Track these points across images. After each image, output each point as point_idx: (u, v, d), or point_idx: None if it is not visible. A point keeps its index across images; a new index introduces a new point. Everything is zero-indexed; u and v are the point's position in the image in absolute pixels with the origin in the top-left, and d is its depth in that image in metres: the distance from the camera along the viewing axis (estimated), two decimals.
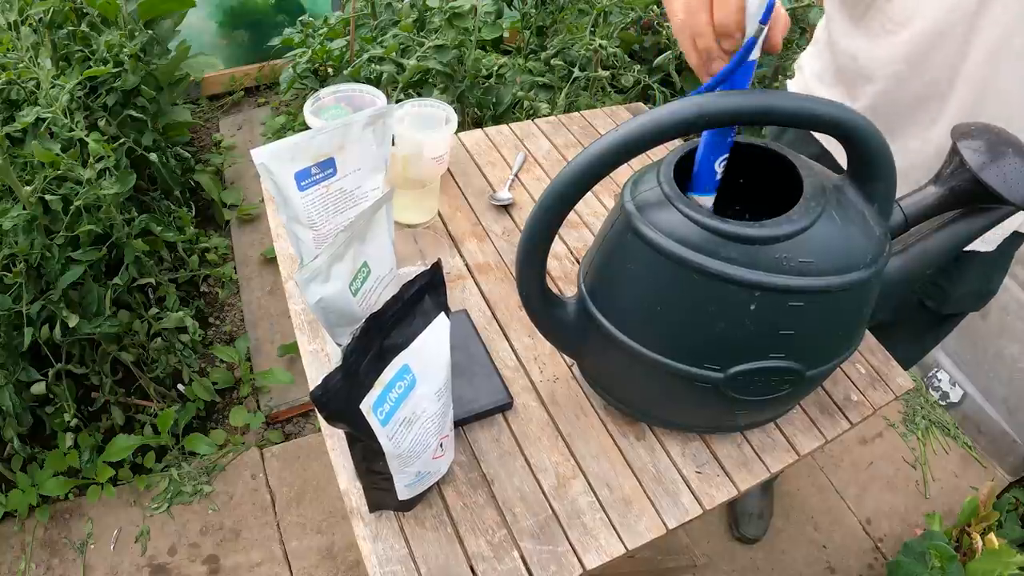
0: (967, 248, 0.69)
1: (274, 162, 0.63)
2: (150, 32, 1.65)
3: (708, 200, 0.58)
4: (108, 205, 1.27)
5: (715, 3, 0.48)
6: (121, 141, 1.51)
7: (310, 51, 1.96)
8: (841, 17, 0.81)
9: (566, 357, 0.76)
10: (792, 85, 0.96)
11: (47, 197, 1.21)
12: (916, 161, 0.76)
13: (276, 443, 1.56)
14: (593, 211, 0.95)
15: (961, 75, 0.70)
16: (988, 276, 0.90)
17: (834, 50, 0.83)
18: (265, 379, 1.60)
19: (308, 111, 0.85)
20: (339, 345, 0.61)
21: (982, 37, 0.67)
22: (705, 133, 0.55)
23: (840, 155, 0.88)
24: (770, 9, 0.46)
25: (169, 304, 1.54)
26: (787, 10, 0.53)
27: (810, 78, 0.91)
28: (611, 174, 0.51)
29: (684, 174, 0.58)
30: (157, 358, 1.50)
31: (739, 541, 1.47)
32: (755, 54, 0.49)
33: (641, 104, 1.22)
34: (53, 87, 1.29)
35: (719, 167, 0.57)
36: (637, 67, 1.87)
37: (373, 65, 1.72)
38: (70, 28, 1.53)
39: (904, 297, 0.91)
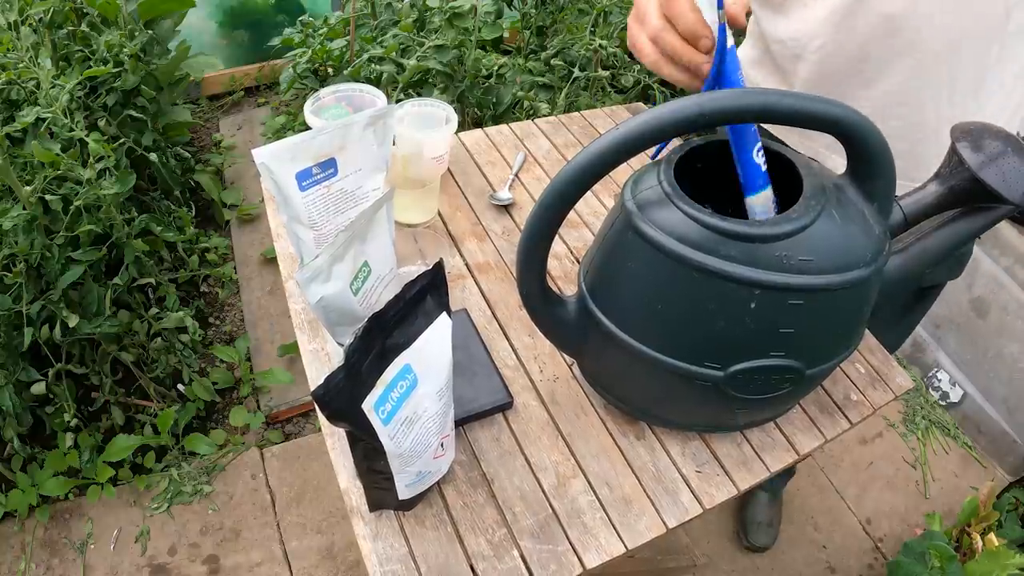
0: None
1: (275, 162, 0.64)
2: (150, 32, 1.65)
3: (766, 195, 0.58)
4: (108, 205, 1.28)
5: (670, 15, 0.50)
6: (121, 141, 1.51)
7: (310, 51, 1.96)
8: (761, 8, 0.82)
9: (566, 356, 0.76)
10: None
11: (47, 197, 1.21)
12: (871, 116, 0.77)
13: (276, 443, 1.56)
14: (593, 210, 0.95)
15: (886, 33, 0.71)
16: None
17: (764, 38, 0.85)
18: (265, 379, 1.60)
19: (308, 111, 0.85)
20: (340, 344, 0.61)
21: None
22: (731, 134, 0.55)
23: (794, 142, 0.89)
24: None
25: (169, 304, 1.54)
26: None
27: (746, 66, 0.92)
28: (611, 173, 0.51)
29: (684, 173, 0.59)
30: (157, 358, 1.50)
31: (748, 550, 1.47)
32: (730, 40, 0.50)
33: (641, 104, 1.22)
34: (53, 87, 1.29)
35: (759, 158, 0.56)
36: (637, 67, 1.87)
37: (373, 65, 1.72)
38: (70, 28, 1.54)
39: None
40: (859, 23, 0.72)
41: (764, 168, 0.57)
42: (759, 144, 0.56)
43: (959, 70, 0.71)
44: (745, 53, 0.93)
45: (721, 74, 0.51)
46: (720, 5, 0.48)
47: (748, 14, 0.86)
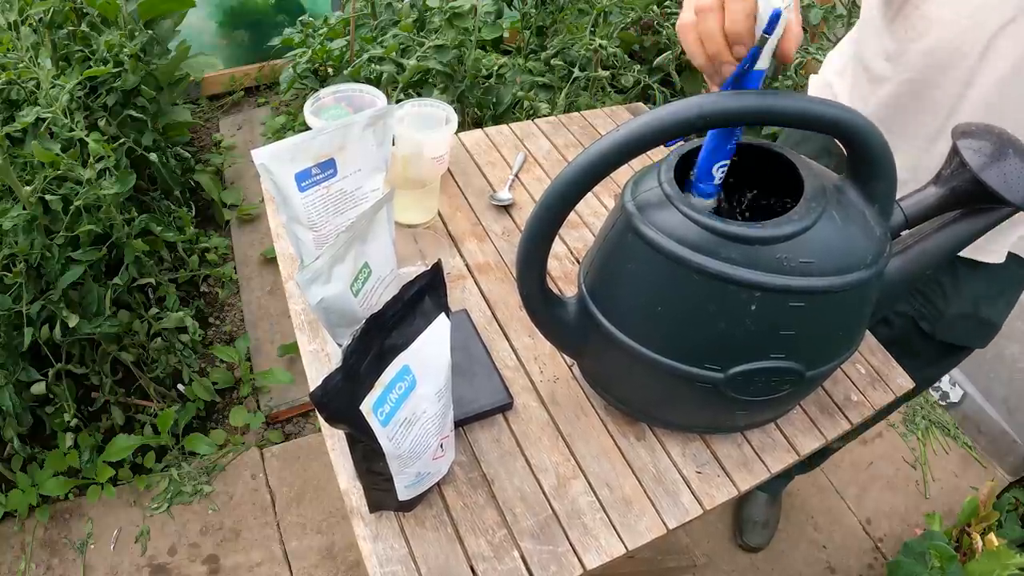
0: (964, 254, 0.68)
1: (274, 163, 0.63)
2: (150, 32, 1.65)
3: (706, 204, 0.58)
4: (108, 205, 1.27)
5: (727, 8, 0.47)
6: (121, 141, 1.51)
7: (310, 51, 1.96)
8: (876, 15, 0.80)
9: (566, 357, 0.76)
10: (814, 80, 0.96)
11: (47, 197, 1.21)
12: (919, 165, 0.76)
13: (276, 443, 1.56)
14: (593, 211, 0.95)
15: (968, 97, 0.70)
16: (980, 300, 0.85)
17: (863, 46, 0.83)
18: (265, 379, 1.60)
19: (308, 111, 0.85)
20: (340, 345, 0.61)
21: (994, 62, 0.67)
22: (708, 135, 0.55)
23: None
24: (774, 20, 0.46)
25: (169, 304, 1.54)
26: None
27: (831, 72, 0.91)
28: (611, 174, 0.51)
29: (685, 174, 0.58)
30: (157, 358, 1.50)
31: (742, 549, 1.47)
32: (763, 63, 0.49)
33: (641, 104, 1.22)
34: (53, 87, 1.29)
35: (718, 172, 0.56)
36: (637, 67, 1.87)
37: (373, 65, 1.72)
38: (70, 28, 1.53)
39: (898, 314, 0.89)
40: (946, 80, 0.70)
41: (717, 183, 0.57)
42: (725, 163, 0.56)
43: None
44: (837, 56, 0.91)
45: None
46: (768, 31, 0.47)
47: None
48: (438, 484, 0.64)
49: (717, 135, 0.54)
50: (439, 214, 0.92)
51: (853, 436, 1.04)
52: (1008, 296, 0.87)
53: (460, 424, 0.68)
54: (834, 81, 0.89)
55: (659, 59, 1.89)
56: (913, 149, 0.77)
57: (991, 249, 0.81)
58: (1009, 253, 0.81)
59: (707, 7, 0.48)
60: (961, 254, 0.66)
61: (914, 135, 0.76)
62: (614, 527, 0.63)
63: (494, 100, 1.77)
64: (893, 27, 0.76)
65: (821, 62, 0.97)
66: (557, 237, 0.59)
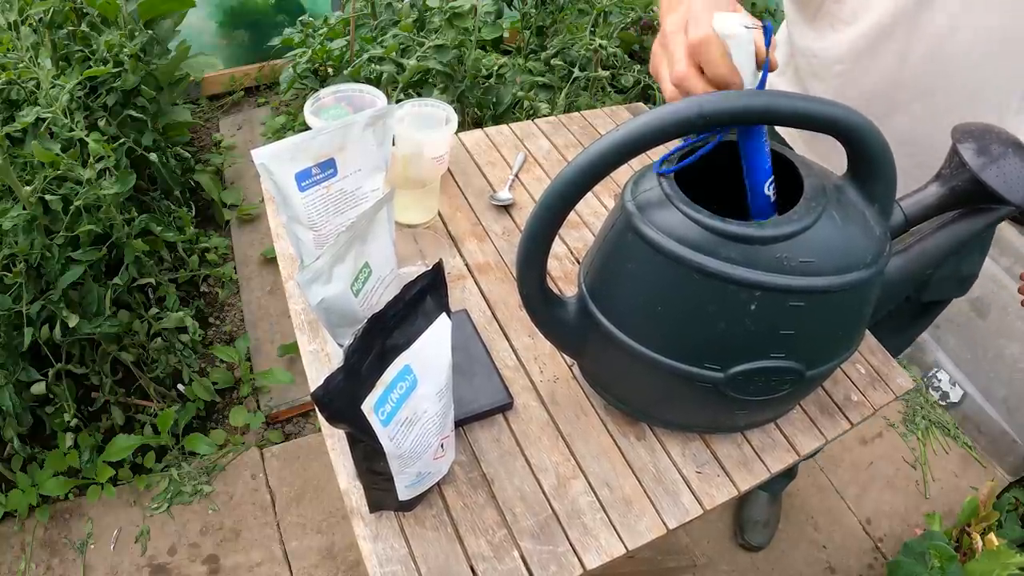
0: None
1: (274, 162, 0.63)
2: (150, 32, 1.65)
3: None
4: (108, 205, 1.27)
5: (702, 65, 0.49)
6: (121, 141, 1.51)
7: (310, 51, 1.96)
8: (796, 15, 0.82)
9: (566, 357, 0.76)
10: None
11: (47, 197, 1.21)
12: None
13: (276, 443, 1.56)
14: (593, 211, 0.95)
15: (904, 76, 0.71)
16: (962, 260, 0.88)
17: (793, 48, 0.84)
18: (265, 379, 1.60)
19: (308, 111, 0.85)
20: (340, 345, 0.61)
21: (921, 39, 0.68)
22: (747, 159, 0.55)
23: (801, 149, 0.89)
24: (768, 34, 0.47)
25: (169, 304, 1.54)
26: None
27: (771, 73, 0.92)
28: (611, 174, 0.51)
29: (685, 174, 0.58)
30: (157, 358, 1.50)
31: (742, 548, 1.47)
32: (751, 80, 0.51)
33: (641, 104, 1.22)
34: (53, 87, 1.29)
35: (769, 190, 0.56)
36: (637, 67, 1.87)
37: (373, 65, 1.72)
38: (70, 28, 1.53)
39: None
40: (877, 61, 0.72)
41: (774, 200, 0.57)
42: (772, 179, 0.56)
43: (976, 119, 0.70)
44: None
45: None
46: (765, 77, 0.48)
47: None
48: (438, 484, 0.64)
49: (752, 154, 0.54)
50: (439, 214, 0.92)
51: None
52: (983, 249, 0.90)
53: (460, 424, 0.68)
54: (775, 81, 0.90)
55: None
56: None
57: None
58: None
59: (681, 76, 0.51)
60: None
61: None
62: (614, 527, 0.63)
63: (494, 100, 1.77)
64: (817, 21, 0.77)
65: None
66: (557, 237, 0.59)
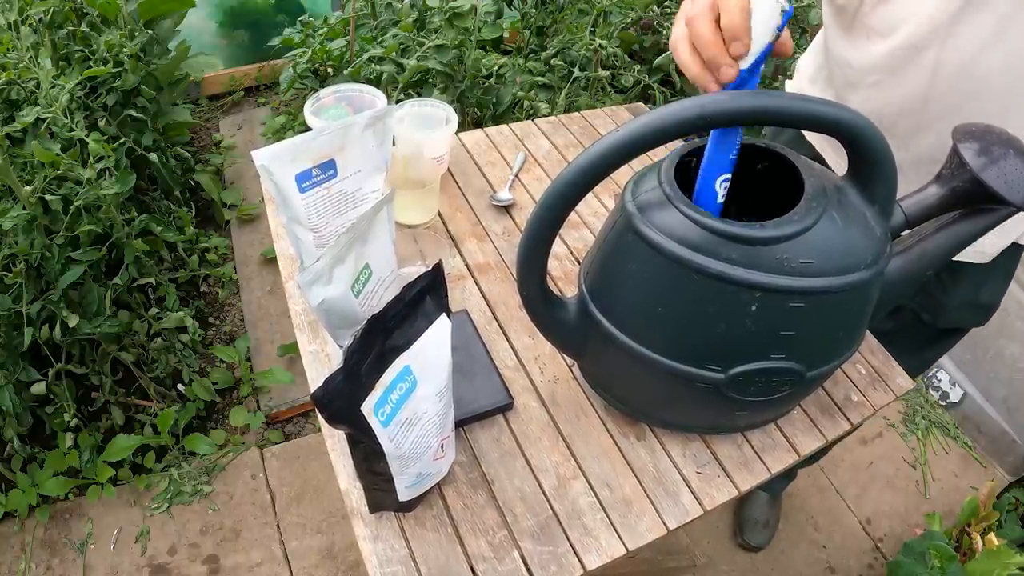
0: (959, 258, 0.69)
1: (275, 163, 0.63)
2: (150, 32, 1.65)
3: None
4: (108, 205, 1.27)
5: (720, 8, 0.48)
6: (121, 141, 1.51)
7: (310, 51, 1.96)
8: (833, 24, 0.82)
9: (566, 357, 0.76)
10: (789, 86, 0.96)
11: (47, 197, 1.21)
12: (900, 165, 0.77)
13: (276, 443, 1.56)
14: (593, 211, 0.95)
15: (934, 92, 0.71)
16: (981, 287, 0.87)
17: (829, 55, 0.84)
18: (265, 379, 1.60)
19: (308, 111, 0.85)
20: (340, 346, 0.61)
21: (953, 53, 0.67)
22: (708, 148, 0.55)
23: (833, 160, 0.89)
24: (788, 15, 0.46)
25: (169, 304, 1.54)
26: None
27: (804, 80, 0.91)
28: (612, 174, 0.51)
29: (685, 174, 0.58)
30: (157, 358, 1.50)
31: (742, 548, 1.47)
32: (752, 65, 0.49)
33: (641, 104, 1.22)
34: (53, 87, 1.29)
35: (720, 187, 0.56)
36: (637, 67, 1.87)
37: (373, 65, 1.72)
38: (70, 28, 1.53)
39: (900, 309, 0.90)
40: (909, 75, 0.71)
41: (720, 200, 0.56)
42: (727, 176, 0.55)
43: None
44: (806, 63, 0.92)
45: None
46: (781, 28, 0.47)
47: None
48: (438, 484, 0.64)
49: (715, 145, 0.54)
50: (439, 214, 0.92)
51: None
52: (1005, 277, 0.88)
53: (460, 424, 0.68)
54: (807, 88, 0.90)
55: (659, 59, 1.89)
56: (892, 149, 0.77)
57: (987, 254, 0.82)
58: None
59: (698, 13, 0.49)
60: (958, 257, 0.66)
61: (891, 135, 0.77)
62: (614, 527, 0.63)
63: (494, 100, 1.77)
64: (853, 31, 0.77)
65: None
66: (557, 237, 0.59)
